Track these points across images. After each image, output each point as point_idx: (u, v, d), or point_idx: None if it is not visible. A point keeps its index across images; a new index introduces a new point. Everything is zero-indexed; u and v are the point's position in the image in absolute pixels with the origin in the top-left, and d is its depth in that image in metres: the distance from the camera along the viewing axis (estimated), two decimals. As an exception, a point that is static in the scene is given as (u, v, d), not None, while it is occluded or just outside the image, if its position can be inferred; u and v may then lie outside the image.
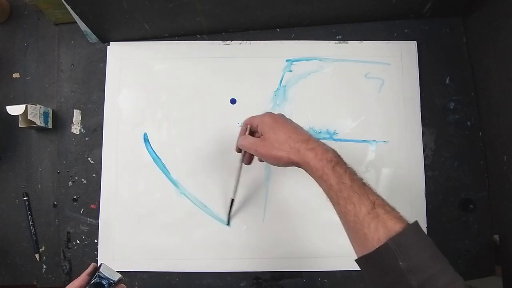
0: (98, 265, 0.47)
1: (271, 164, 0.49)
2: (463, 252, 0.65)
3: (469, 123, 0.67)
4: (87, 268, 0.47)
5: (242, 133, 0.54)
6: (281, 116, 0.51)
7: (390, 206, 0.41)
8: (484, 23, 0.64)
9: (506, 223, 0.61)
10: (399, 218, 0.40)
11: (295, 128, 0.48)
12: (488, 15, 0.63)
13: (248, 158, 0.56)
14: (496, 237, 0.65)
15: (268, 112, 0.51)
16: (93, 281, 0.45)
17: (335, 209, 0.43)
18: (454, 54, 0.69)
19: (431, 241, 0.39)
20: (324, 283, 0.64)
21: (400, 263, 0.36)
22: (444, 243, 0.65)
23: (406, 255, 0.36)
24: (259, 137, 0.50)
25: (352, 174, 0.43)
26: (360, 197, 0.41)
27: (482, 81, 0.66)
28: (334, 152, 0.45)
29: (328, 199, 0.44)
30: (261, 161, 0.55)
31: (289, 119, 0.51)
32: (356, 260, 0.42)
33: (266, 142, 0.48)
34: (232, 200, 0.61)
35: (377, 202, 0.41)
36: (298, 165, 0.46)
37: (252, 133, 0.53)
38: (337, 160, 0.44)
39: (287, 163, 0.47)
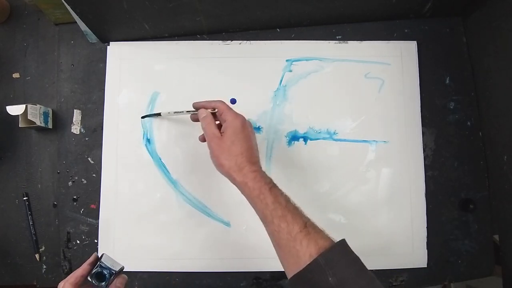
0: (100, 255, 0.47)
1: (213, 163, 0.51)
2: (463, 252, 0.65)
3: (469, 123, 0.67)
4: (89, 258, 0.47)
5: (205, 111, 0.53)
6: (249, 127, 0.51)
7: (319, 227, 0.44)
8: (484, 23, 0.64)
9: (506, 223, 0.61)
10: (328, 237, 0.43)
11: (251, 147, 0.49)
12: (488, 15, 0.63)
13: (202, 139, 0.58)
14: (496, 237, 0.65)
15: (242, 117, 0.51)
16: (94, 271, 0.45)
17: (268, 229, 0.45)
18: (454, 54, 0.69)
19: (357, 258, 0.41)
20: (324, 283, 0.64)
21: (330, 279, 0.38)
22: (444, 243, 0.65)
23: (335, 270, 0.39)
24: (220, 133, 0.50)
25: (286, 197, 0.46)
26: (294, 216, 0.43)
27: (482, 81, 0.66)
28: (271, 179, 0.48)
29: (261, 219, 0.46)
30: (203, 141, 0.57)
31: (253, 132, 0.52)
32: (288, 282, 0.43)
33: (221, 144, 0.49)
34: (159, 114, 0.62)
35: (309, 223, 0.44)
36: (234, 182, 0.48)
37: (214, 116, 0.53)
38: (274, 184, 0.47)
39: (225, 174, 0.49)
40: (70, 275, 0.45)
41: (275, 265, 0.63)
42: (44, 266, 0.66)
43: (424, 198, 0.65)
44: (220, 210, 0.64)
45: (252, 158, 0.49)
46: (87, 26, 0.63)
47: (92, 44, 0.69)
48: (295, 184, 0.65)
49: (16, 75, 0.70)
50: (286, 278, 0.64)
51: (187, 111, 0.58)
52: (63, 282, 0.44)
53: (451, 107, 0.68)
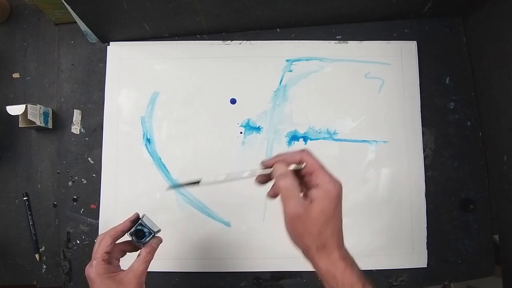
0: (141, 215, 0.49)
1: (289, 237, 0.39)
2: (463, 252, 0.65)
3: (469, 123, 0.67)
4: (130, 216, 0.49)
5: (284, 167, 0.39)
6: (341, 200, 0.39)
7: None
8: (484, 23, 0.64)
9: (506, 223, 0.61)
10: None
11: (341, 226, 0.38)
12: (488, 15, 0.63)
13: (272, 194, 0.42)
14: (496, 237, 0.65)
15: (339, 184, 0.38)
16: (134, 228, 0.47)
17: None
18: (454, 54, 0.69)
19: None
20: (324, 283, 0.64)
21: None
22: (444, 243, 0.65)
23: None
24: (304, 202, 0.38)
25: None
26: None
27: (482, 81, 0.66)
28: (359, 268, 0.38)
29: None
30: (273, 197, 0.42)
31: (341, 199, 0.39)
32: None
33: (309, 219, 0.37)
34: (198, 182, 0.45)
35: None
36: (316, 268, 0.38)
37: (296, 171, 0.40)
38: (366, 279, 0.37)
39: (306, 255, 0.39)
40: (110, 228, 0.46)
41: (275, 265, 0.64)
42: (44, 266, 0.66)
43: (424, 198, 0.65)
44: (220, 210, 0.64)
45: (341, 240, 0.38)
46: (87, 26, 0.63)
47: (92, 44, 0.69)
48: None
49: (16, 75, 0.70)
50: (286, 278, 0.64)
51: (248, 174, 0.41)
52: (103, 234, 0.46)
53: (451, 107, 0.68)
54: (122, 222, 0.48)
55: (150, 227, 0.47)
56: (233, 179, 0.42)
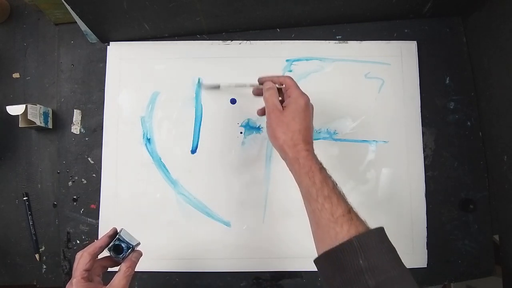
0: (119, 229, 0.48)
1: (268, 134, 0.51)
2: (463, 252, 0.65)
3: (469, 123, 0.67)
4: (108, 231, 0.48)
5: (271, 83, 0.53)
6: (311, 108, 0.51)
7: (362, 217, 0.44)
8: (484, 23, 0.64)
9: (506, 223, 0.61)
10: (368, 226, 0.43)
11: (309, 128, 0.50)
12: (488, 15, 0.63)
13: (261, 112, 0.60)
14: (496, 237, 0.65)
15: (307, 96, 0.51)
16: (112, 244, 0.46)
17: (310, 207, 0.45)
18: (454, 54, 0.69)
19: (394, 249, 0.41)
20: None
21: (361, 262, 0.38)
22: (444, 243, 0.65)
23: (368, 254, 0.38)
24: (280, 106, 0.50)
25: (334, 181, 0.46)
26: (339, 199, 0.44)
27: (482, 81, 0.66)
28: (321, 162, 0.48)
29: (305, 196, 0.46)
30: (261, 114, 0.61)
31: (312, 115, 0.52)
32: (316, 259, 0.43)
33: (281, 117, 0.49)
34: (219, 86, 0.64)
35: (353, 210, 0.44)
36: (284, 156, 0.49)
37: (279, 92, 0.53)
38: (324, 167, 0.47)
39: (278, 147, 0.49)
40: (89, 245, 0.46)
41: (275, 265, 0.64)
42: (44, 266, 0.66)
43: (424, 198, 0.65)
44: (220, 210, 0.64)
45: (308, 137, 0.49)
46: (87, 26, 0.63)
47: (92, 44, 0.69)
48: (295, 184, 0.65)
49: (16, 75, 0.70)
50: (286, 278, 0.64)
51: (250, 84, 0.58)
52: (82, 251, 0.45)
53: (451, 107, 0.68)
54: (100, 238, 0.47)
55: (128, 241, 0.47)
56: (240, 85, 0.61)
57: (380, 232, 0.41)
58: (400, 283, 0.38)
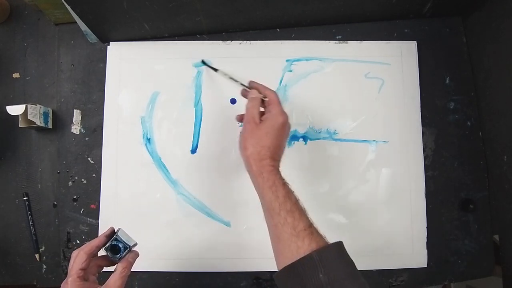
0: (116, 229, 0.48)
1: (238, 142, 0.51)
2: (463, 252, 0.65)
3: (469, 123, 0.67)
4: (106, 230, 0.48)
5: (256, 93, 0.53)
6: (287, 129, 0.52)
7: (321, 233, 0.45)
8: (484, 23, 0.64)
9: (506, 223, 0.61)
10: (327, 241, 0.44)
11: (279, 147, 0.50)
12: (488, 15, 0.63)
13: (239, 119, 0.59)
14: (496, 237, 0.65)
15: (286, 116, 0.51)
16: (109, 243, 0.46)
17: (272, 221, 0.45)
18: (454, 54, 0.69)
19: (352, 262, 0.42)
20: (324, 283, 0.64)
21: (320, 276, 0.38)
22: (444, 243, 0.65)
23: (327, 269, 0.39)
24: (259, 119, 0.51)
25: (296, 196, 0.47)
26: (301, 214, 0.44)
27: (482, 81, 0.66)
28: (284, 179, 0.48)
29: (267, 210, 0.47)
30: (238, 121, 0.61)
31: (288, 136, 0.53)
32: (276, 274, 0.44)
33: (255, 130, 0.49)
34: (217, 70, 0.65)
35: (313, 225, 0.45)
36: (249, 169, 0.49)
37: (263, 103, 0.54)
38: (287, 183, 0.48)
39: (244, 157, 0.49)
40: (86, 244, 0.46)
41: (275, 265, 0.64)
42: (44, 266, 0.66)
43: (424, 198, 0.65)
44: (220, 210, 0.64)
45: (276, 155, 0.49)
46: (87, 26, 0.63)
47: (92, 44, 0.69)
48: (295, 184, 0.64)
49: (16, 75, 0.70)
50: (286, 278, 0.64)
51: (241, 84, 0.58)
52: (78, 250, 0.45)
53: (451, 107, 0.68)
54: (97, 237, 0.47)
55: (126, 241, 0.46)
56: (233, 80, 0.61)
57: (339, 246, 0.42)
58: None
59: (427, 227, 0.64)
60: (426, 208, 0.65)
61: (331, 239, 0.63)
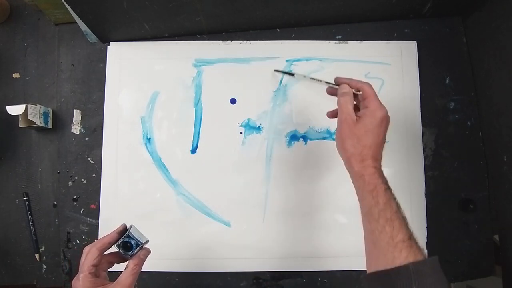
0: (129, 226, 0.48)
1: (336, 142, 0.49)
2: (463, 252, 0.65)
3: (469, 123, 0.67)
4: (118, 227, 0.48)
5: (348, 87, 0.49)
6: (387, 123, 0.48)
7: (420, 244, 0.42)
8: (484, 23, 0.64)
9: (506, 223, 0.61)
10: (425, 255, 0.41)
11: (380, 144, 0.47)
12: (488, 15, 0.63)
13: (332, 115, 0.56)
14: (496, 237, 0.65)
15: (385, 110, 0.47)
16: (121, 240, 0.46)
17: (369, 226, 0.44)
18: (454, 54, 0.69)
19: (446, 281, 0.40)
20: (324, 283, 0.64)
21: (414, 287, 0.37)
22: (444, 243, 0.65)
23: (421, 282, 0.37)
24: (354, 116, 0.47)
25: (398, 203, 0.45)
26: (401, 224, 0.42)
27: (482, 81, 0.66)
28: (387, 181, 0.46)
29: (365, 214, 0.45)
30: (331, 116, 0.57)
31: (388, 125, 0.48)
32: (367, 276, 0.42)
33: (354, 129, 0.46)
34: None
35: (413, 236, 0.42)
36: (350, 170, 0.47)
37: (355, 97, 0.50)
38: (389, 187, 0.45)
39: (345, 159, 0.47)
40: (97, 240, 0.46)
41: (275, 265, 0.64)
42: (44, 266, 0.66)
43: (424, 198, 0.65)
44: (220, 210, 0.64)
45: (377, 154, 0.46)
46: (87, 26, 0.63)
47: (92, 44, 0.69)
48: (295, 184, 0.65)
49: (16, 75, 0.70)
50: (286, 278, 0.64)
51: (326, 82, 0.56)
52: (90, 246, 0.45)
53: (451, 107, 0.68)
54: (109, 233, 0.47)
55: (138, 238, 0.46)
56: (315, 80, 0.59)
57: (435, 262, 0.40)
58: None
59: (427, 227, 0.64)
60: (426, 208, 0.65)
61: (332, 239, 0.64)
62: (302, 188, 0.65)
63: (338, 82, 0.52)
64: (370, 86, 0.49)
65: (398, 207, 0.44)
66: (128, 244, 0.46)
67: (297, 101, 0.66)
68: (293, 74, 0.64)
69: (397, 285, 0.38)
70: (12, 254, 0.66)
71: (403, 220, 0.43)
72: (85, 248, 0.45)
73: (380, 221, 0.42)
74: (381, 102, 0.48)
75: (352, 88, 0.50)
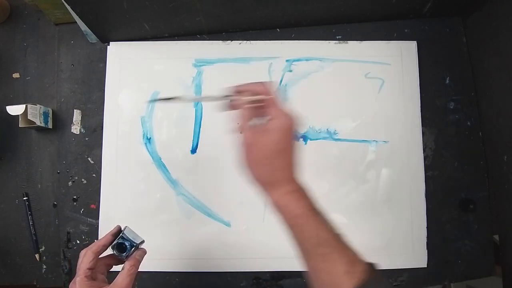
0: (123, 227, 0.48)
1: (244, 168, 0.41)
2: (463, 252, 0.65)
3: (469, 123, 0.67)
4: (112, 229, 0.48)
5: (249, 96, 0.41)
6: (293, 127, 0.40)
7: (364, 259, 0.37)
8: (484, 23, 0.64)
9: (506, 223, 0.61)
10: (373, 269, 0.37)
11: (292, 155, 0.41)
12: (488, 15, 0.63)
13: (233, 130, 0.45)
14: (496, 237, 0.65)
15: (290, 117, 0.40)
16: (116, 242, 0.46)
17: (306, 264, 0.40)
18: (454, 54, 0.69)
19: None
20: (324, 283, 0.64)
21: None
22: (444, 243, 0.65)
23: None
24: (259, 127, 0.40)
25: (330, 226, 0.39)
26: (340, 253, 0.37)
27: (482, 81, 0.66)
28: (312, 199, 0.40)
29: (299, 250, 0.40)
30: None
31: (296, 131, 0.41)
32: None
33: (259, 152, 0.39)
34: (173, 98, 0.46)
35: (356, 255, 0.37)
36: (267, 198, 0.40)
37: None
38: (316, 209, 0.40)
39: (259, 187, 0.40)
40: (93, 243, 0.46)
41: (275, 265, 0.64)
42: (44, 266, 0.66)
43: (424, 198, 0.65)
44: (220, 210, 0.64)
45: (291, 173, 0.40)
46: (87, 26, 0.63)
47: (92, 44, 0.69)
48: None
49: (16, 75, 0.70)
50: (286, 278, 0.64)
51: (224, 96, 0.45)
52: (85, 249, 0.45)
53: (451, 107, 0.68)
54: (104, 236, 0.47)
55: (132, 239, 0.46)
56: (207, 99, 0.48)
57: (378, 276, 0.36)
58: None
59: (427, 227, 0.64)
60: (426, 208, 0.65)
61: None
62: (302, 188, 0.65)
63: (238, 90, 0.43)
64: (269, 89, 0.41)
65: (330, 233, 0.38)
66: (122, 245, 0.46)
67: (297, 101, 0.66)
68: (173, 98, 0.46)
69: None
70: (12, 254, 0.66)
71: (341, 248, 0.37)
72: (81, 251, 0.45)
73: (313, 258, 0.38)
74: (284, 109, 0.40)
75: (254, 95, 0.41)
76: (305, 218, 0.38)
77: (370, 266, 0.37)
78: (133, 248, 0.46)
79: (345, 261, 0.36)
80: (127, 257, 0.46)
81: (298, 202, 0.39)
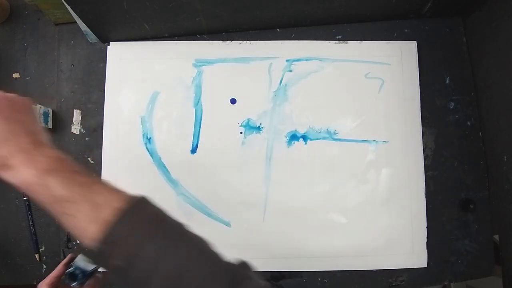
0: (77, 256, 0.48)
1: None
2: (463, 252, 0.65)
3: (469, 123, 0.67)
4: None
5: None
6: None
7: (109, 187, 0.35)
8: (484, 23, 0.64)
9: (506, 223, 0.61)
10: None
11: (12, 132, 0.38)
12: (488, 15, 0.63)
13: None
14: (496, 237, 0.65)
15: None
16: (67, 271, 0.46)
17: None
18: (454, 54, 0.69)
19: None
20: (324, 283, 0.64)
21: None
22: (444, 243, 0.65)
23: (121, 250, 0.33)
24: None
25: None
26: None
27: (482, 81, 0.66)
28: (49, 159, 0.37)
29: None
30: None
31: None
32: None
33: None
34: None
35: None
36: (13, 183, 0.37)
37: None
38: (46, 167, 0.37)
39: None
40: (47, 276, 0.46)
41: (275, 265, 0.64)
42: (44, 266, 0.66)
43: (424, 198, 0.65)
44: (220, 210, 0.64)
45: (22, 144, 0.38)
46: (87, 26, 0.63)
47: (92, 44, 0.69)
48: (295, 184, 0.65)
49: (16, 75, 0.70)
50: (286, 278, 0.64)
51: None
52: (41, 283, 0.45)
53: (451, 107, 0.68)
54: (57, 267, 0.47)
55: (84, 267, 0.46)
56: None
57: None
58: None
59: (427, 227, 0.64)
60: (426, 208, 0.65)
61: (331, 239, 0.64)
62: (302, 188, 0.65)
63: None
64: None
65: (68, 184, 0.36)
66: (73, 275, 0.46)
67: (297, 101, 0.66)
68: None
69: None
70: (12, 254, 0.66)
71: (81, 195, 0.36)
72: (38, 285, 0.45)
73: (57, 217, 0.36)
74: None
75: None
76: (35, 184, 0.37)
77: (129, 202, 0.36)
78: (85, 277, 0.46)
79: (87, 210, 0.35)
80: (81, 285, 0.46)
81: (28, 170, 0.37)
